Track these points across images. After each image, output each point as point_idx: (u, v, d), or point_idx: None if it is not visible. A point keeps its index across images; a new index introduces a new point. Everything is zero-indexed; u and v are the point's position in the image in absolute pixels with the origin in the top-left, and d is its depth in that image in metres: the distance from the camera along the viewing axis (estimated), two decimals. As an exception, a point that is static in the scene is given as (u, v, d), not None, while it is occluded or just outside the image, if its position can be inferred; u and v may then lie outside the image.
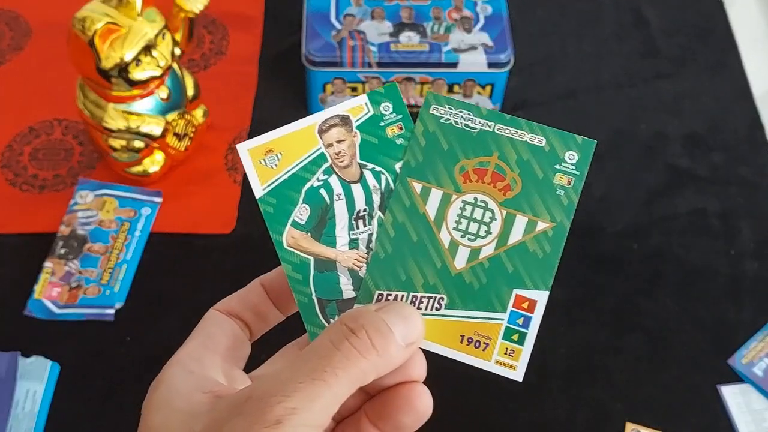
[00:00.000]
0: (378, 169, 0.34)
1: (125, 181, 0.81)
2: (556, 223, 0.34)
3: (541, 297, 0.33)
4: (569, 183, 0.35)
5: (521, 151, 0.34)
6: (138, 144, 0.76)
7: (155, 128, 0.76)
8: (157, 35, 0.71)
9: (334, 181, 0.34)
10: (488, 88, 0.85)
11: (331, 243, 0.34)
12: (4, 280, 0.75)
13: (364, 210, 0.34)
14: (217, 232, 0.79)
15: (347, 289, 0.34)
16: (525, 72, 0.93)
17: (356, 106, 0.34)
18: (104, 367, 0.70)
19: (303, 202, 0.34)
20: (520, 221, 0.34)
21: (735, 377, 0.71)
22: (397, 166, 0.34)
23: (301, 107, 0.89)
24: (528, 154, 0.34)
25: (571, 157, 0.35)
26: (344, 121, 0.34)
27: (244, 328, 0.35)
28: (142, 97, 0.74)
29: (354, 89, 0.85)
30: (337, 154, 0.34)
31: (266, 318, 0.36)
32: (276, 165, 0.34)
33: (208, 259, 0.77)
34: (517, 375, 0.32)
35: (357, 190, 0.34)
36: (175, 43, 0.74)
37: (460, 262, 0.33)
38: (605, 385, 0.71)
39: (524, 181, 0.34)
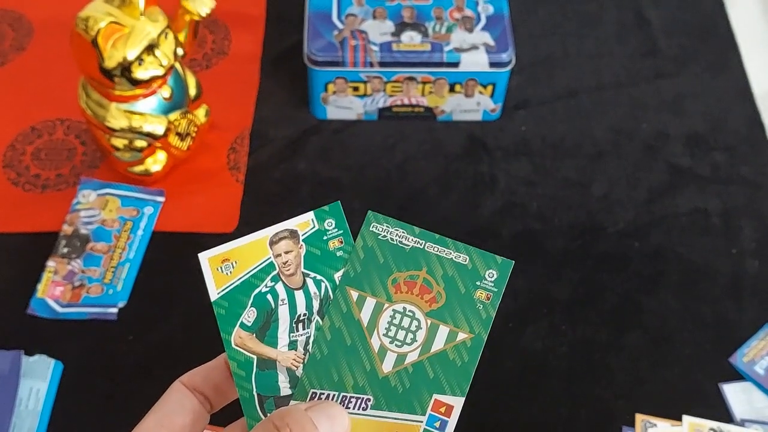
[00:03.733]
0: (319, 277, 0.38)
1: (128, 180, 0.81)
2: (475, 335, 0.36)
3: (458, 402, 0.36)
4: (488, 299, 0.37)
5: (447, 268, 0.37)
6: (140, 143, 0.77)
7: (158, 127, 0.76)
8: (159, 35, 0.72)
9: (279, 287, 0.38)
10: (489, 88, 0.85)
11: (273, 344, 0.37)
12: (7, 280, 0.75)
13: (305, 314, 0.37)
14: (219, 231, 0.79)
15: (284, 387, 0.36)
16: (526, 71, 0.93)
17: (304, 222, 0.38)
18: (107, 365, 0.71)
19: (251, 306, 0.38)
20: (443, 331, 0.37)
21: (737, 375, 0.71)
22: (336, 275, 0.38)
23: (303, 107, 0.89)
24: (453, 270, 0.37)
25: (491, 275, 0.37)
26: (293, 234, 0.38)
27: (204, 402, 0.38)
28: (145, 96, 0.75)
29: (356, 88, 0.85)
30: (284, 264, 0.38)
31: (226, 394, 0.38)
32: (230, 272, 0.38)
33: (210, 258, 0.77)
34: None
35: (299, 296, 0.37)
36: (178, 43, 0.74)
37: (387, 366, 0.36)
38: (607, 383, 0.71)
39: (448, 294, 0.37)
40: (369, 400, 0.36)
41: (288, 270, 0.38)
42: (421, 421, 0.35)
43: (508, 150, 0.86)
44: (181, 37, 0.76)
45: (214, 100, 0.85)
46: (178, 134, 0.79)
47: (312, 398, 0.36)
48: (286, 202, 0.82)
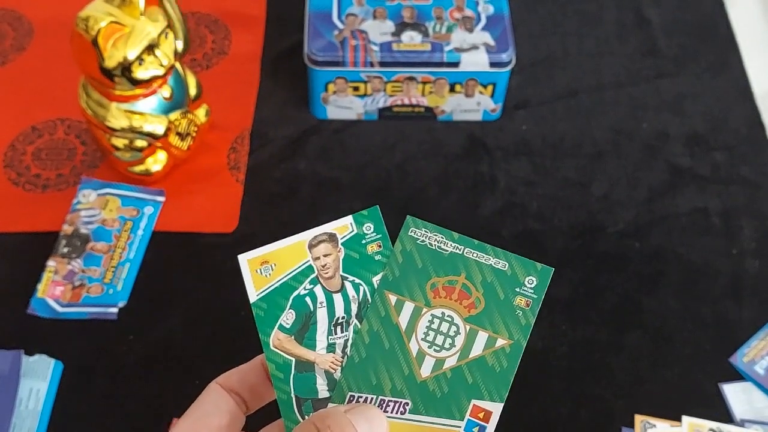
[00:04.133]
0: (357, 281, 0.38)
1: (128, 180, 0.81)
2: (514, 341, 0.37)
3: (496, 408, 0.36)
4: (527, 305, 0.37)
5: (486, 274, 0.38)
6: (141, 143, 0.77)
7: (158, 127, 0.76)
8: (159, 35, 0.72)
9: (318, 290, 0.38)
10: (490, 88, 0.85)
11: (312, 346, 0.37)
12: (8, 279, 0.76)
13: (343, 317, 0.38)
14: (219, 231, 0.79)
15: (322, 390, 0.37)
16: (526, 71, 0.93)
17: (342, 226, 0.39)
18: (107, 365, 0.71)
19: (290, 308, 0.38)
20: (482, 337, 0.37)
21: (737, 375, 0.71)
22: (375, 279, 0.38)
23: (303, 107, 0.89)
24: (492, 276, 0.38)
25: (531, 281, 0.38)
26: (331, 237, 0.38)
27: (240, 404, 0.38)
28: (145, 96, 0.75)
29: (356, 88, 0.85)
30: (323, 267, 0.38)
31: (263, 396, 0.39)
32: (270, 274, 0.38)
33: (210, 258, 0.77)
34: None
35: (338, 299, 0.38)
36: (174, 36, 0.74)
37: (425, 370, 0.36)
38: (607, 383, 0.71)
39: (487, 300, 0.37)
40: (407, 404, 0.36)
41: (327, 273, 0.38)
42: (460, 426, 0.36)
43: (508, 150, 0.86)
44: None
45: (214, 100, 0.85)
46: (179, 134, 0.79)
47: (350, 401, 0.36)
48: (287, 202, 0.82)
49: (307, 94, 0.88)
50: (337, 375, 0.37)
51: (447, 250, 0.38)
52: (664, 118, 0.90)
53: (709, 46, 0.97)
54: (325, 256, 0.38)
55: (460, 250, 0.38)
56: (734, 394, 0.70)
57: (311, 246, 0.38)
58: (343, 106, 0.87)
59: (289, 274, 0.38)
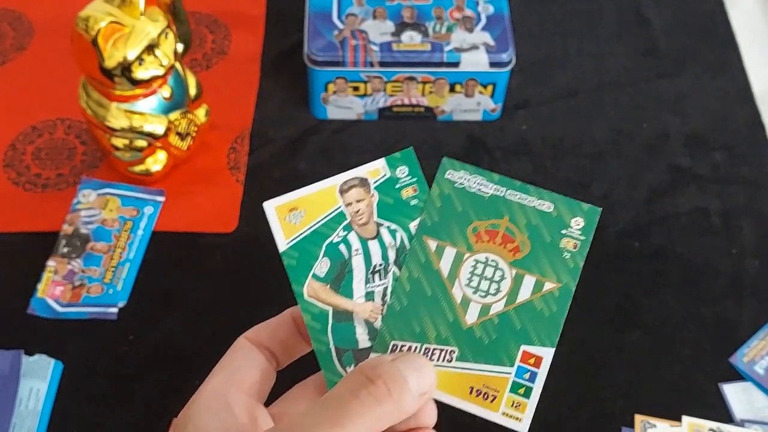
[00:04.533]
0: (393, 227, 0.36)
1: (128, 180, 0.81)
2: (562, 284, 0.35)
3: (547, 353, 0.35)
4: (575, 247, 0.36)
5: (530, 216, 0.36)
6: (141, 143, 0.77)
7: (158, 127, 0.76)
8: (159, 34, 0.72)
9: (352, 237, 0.36)
10: (490, 88, 0.85)
11: (349, 295, 0.36)
12: (7, 279, 0.76)
13: (380, 265, 0.36)
14: (219, 231, 0.79)
15: (363, 339, 0.35)
16: (526, 71, 0.93)
17: (374, 169, 0.38)
18: (107, 365, 0.71)
19: (323, 256, 0.36)
20: (529, 281, 0.36)
21: (737, 375, 0.71)
22: (411, 225, 0.36)
23: (303, 106, 0.89)
24: (536, 218, 0.36)
25: (577, 223, 0.37)
26: (363, 182, 0.37)
27: (271, 359, 0.37)
28: (145, 96, 0.75)
29: (356, 88, 0.85)
30: (356, 213, 0.37)
31: (293, 350, 0.37)
32: (299, 222, 0.36)
33: (210, 258, 0.77)
34: (522, 427, 0.34)
35: (374, 246, 0.36)
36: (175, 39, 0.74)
37: (471, 317, 0.35)
38: (607, 383, 0.71)
39: (533, 243, 0.36)
40: (453, 351, 0.35)
41: (360, 219, 0.36)
42: (510, 373, 0.34)
43: (508, 150, 0.86)
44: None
45: (214, 100, 0.85)
46: (179, 134, 0.79)
47: (393, 350, 0.35)
48: (286, 201, 0.82)
49: (307, 94, 0.88)
50: (378, 324, 0.35)
51: (487, 193, 0.37)
52: (664, 118, 0.90)
53: (709, 46, 0.97)
54: (357, 201, 0.37)
55: (501, 192, 0.36)
56: (734, 394, 0.70)
57: (342, 191, 0.37)
58: (343, 106, 0.87)
59: (321, 221, 0.36)
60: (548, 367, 0.34)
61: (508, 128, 0.88)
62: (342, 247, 0.36)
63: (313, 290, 0.36)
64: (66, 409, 0.68)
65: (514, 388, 0.34)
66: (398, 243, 0.36)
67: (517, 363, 0.35)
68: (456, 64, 0.83)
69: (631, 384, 0.71)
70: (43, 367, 0.69)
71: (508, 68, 0.84)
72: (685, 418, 0.68)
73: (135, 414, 0.68)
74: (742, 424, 0.68)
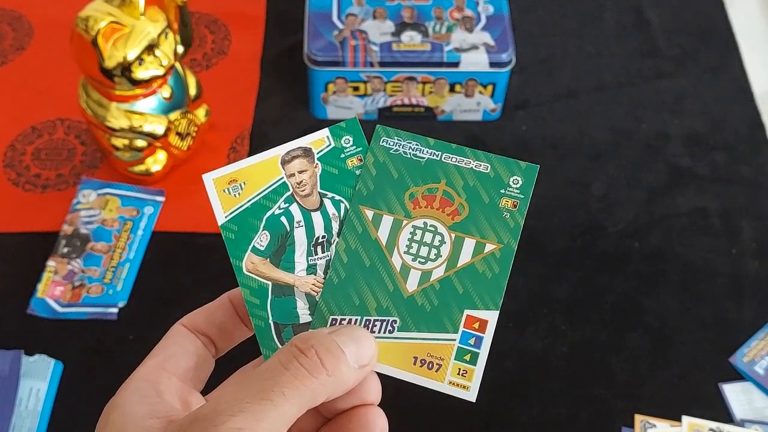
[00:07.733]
0: (337, 198, 0.36)
1: (128, 180, 0.81)
2: (504, 245, 0.35)
3: (492, 316, 0.34)
4: (514, 206, 0.35)
5: (468, 178, 0.36)
6: (140, 143, 0.77)
7: (158, 127, 0.76)
8: (159, 35, 0.72)
9: (294, 209, 0.35)
10: (490, 88, 0.85)
11: (290, 269, 0.35)
12: (8, 279, 0.75)
13: (323, 237, 0.35)
14: (219, 231, 0.79)
15: (304, 314, 0.34)
16: (526, 71, 0.93)
17: (318, 140, 0.37)
18: (107, 365, 0.71)
19: (263, 229, 0.35)
20: (469, 244, 0.35)
21: (737, 375, 0.71)
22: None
23: (303, 106, 0.89)
24: (474, 180, 0.36)
25: (516, 181, 0.36)
26: (306, 152, 0.36)
27: (209, 345, 0.35)
28: (145, 96, 0.75)
29: (356, 88, 0.85)
30: (298, 184, 0.35)
31: (232, 335, 0.36)
32: (239, 194, 0.35)
33: (210, 258, 0.77)
34: (470, 395, 0.33)
35: (317, 217, 0.35)
36: (175, 40, 0.74)
37: (411, 285, 0.34)
38: (607, 383, 0.71)
39: (471, 205, 0.35)
40: (395, 321, 0.34)
41: (303, 190, 0.35)
42: (454, 339, 0.33)
43: (508, 150, 0.86)
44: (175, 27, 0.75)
45: (214, 100, 0.85)
46: (178, 134, 0.79)
47: (333, 324, 0.34)
48: (286, 202, 0.82)
49: (307, 94, 0.88)
50: (319, 297, 0.34)
51: (423, 158, 0.36)
52: (663, 118, 0.90)
53: (709, 46, 0.97)
54: (300, 172, 0.36)
55: (437, 156, 0.36)
56: (734, 394, 0.70)
57: (284, 162, 0.36)
58: (343, 106, 0.87)
59: (261, 192, 0.35)
60: (494, 330, 0.33)
61: (508, 128, 0.88)
62: (283, 219, 0.35)
63: (253, 264, 0.35)
64: (66, 409, 0.68)
65: (460, 354, 0.33)
66: (342, 214, 0.35)
67: (461, 328, 0.34)
68: (456, 64, 0.83)
69: (631, 384, 0.71)
70: (43, 367, 0.69)
71: (508, 68, 0.84)
72: (685, 418, 0.68)
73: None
74: (742, 424, 0.68)
